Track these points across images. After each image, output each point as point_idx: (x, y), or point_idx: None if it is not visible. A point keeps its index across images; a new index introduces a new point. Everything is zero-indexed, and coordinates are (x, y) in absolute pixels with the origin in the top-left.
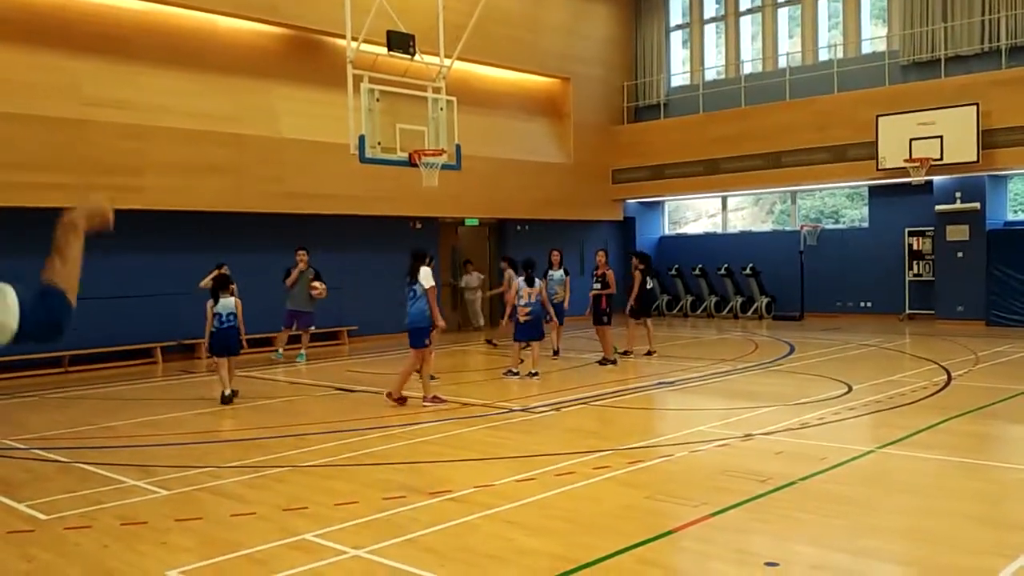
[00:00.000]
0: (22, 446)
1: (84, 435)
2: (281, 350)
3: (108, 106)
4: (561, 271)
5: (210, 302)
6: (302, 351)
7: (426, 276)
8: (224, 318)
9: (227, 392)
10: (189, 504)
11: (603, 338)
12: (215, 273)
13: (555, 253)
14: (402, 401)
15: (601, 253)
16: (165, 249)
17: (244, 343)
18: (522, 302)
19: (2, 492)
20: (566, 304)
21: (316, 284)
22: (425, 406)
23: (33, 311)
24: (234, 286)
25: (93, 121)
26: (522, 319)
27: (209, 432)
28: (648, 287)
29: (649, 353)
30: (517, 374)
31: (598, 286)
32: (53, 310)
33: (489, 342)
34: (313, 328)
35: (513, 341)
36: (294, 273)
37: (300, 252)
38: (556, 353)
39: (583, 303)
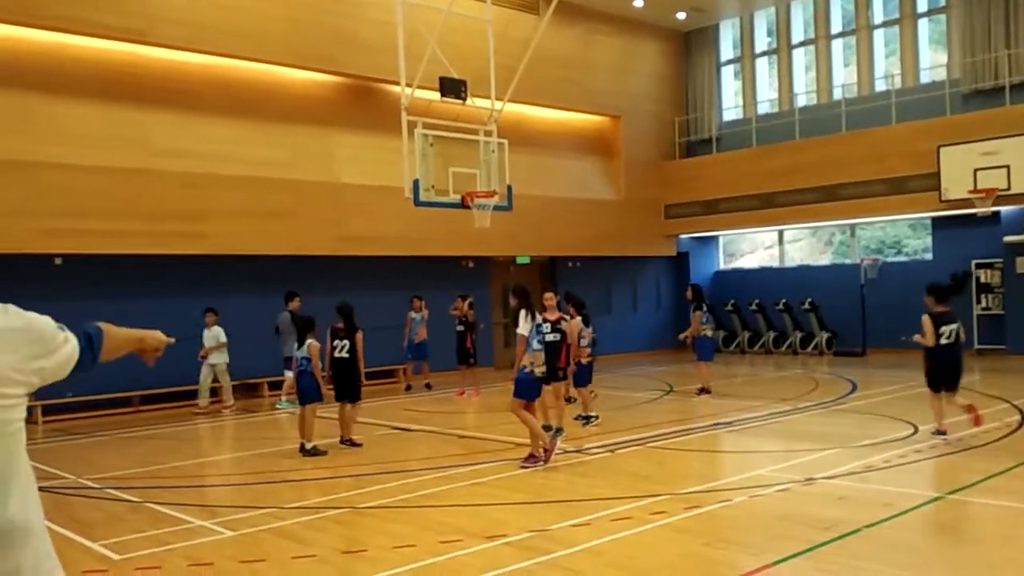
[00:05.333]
0: (96, 485)
1: (153, 475)
2: (284, 398)
3: (174, 156)
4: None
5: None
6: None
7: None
8: (300, 361)
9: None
10: (252, 545)
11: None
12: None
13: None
14: (533, 459)
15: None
16: (228, 292)
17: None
18: (584, 343)
19: (79, 531)
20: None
21: None
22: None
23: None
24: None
25: (160, 170)
26: (584, 361)
27: (268, 472)
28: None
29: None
30: (590, 418)
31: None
32: (84, 365)
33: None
34: None
35: (577, 387)
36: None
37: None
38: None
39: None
